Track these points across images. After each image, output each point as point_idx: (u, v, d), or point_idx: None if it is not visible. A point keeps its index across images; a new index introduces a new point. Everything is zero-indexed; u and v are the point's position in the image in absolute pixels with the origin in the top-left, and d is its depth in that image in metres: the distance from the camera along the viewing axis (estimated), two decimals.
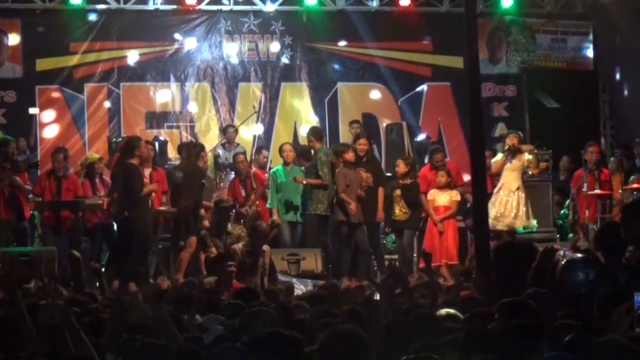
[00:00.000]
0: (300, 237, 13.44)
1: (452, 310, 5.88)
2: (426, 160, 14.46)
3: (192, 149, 13.02)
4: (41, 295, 7.80)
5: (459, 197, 13.00)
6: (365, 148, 13.37)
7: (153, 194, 12.61)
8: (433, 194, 13.05)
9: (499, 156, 13.25)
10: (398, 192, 13.06)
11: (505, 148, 13.23)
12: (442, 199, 12.96)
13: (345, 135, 15.48)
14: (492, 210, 12.53)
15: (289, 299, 7.97)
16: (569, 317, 5.19)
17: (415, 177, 13.32)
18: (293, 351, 4.45)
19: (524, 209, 12.77)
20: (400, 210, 13.03)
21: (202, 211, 12.58)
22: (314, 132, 13.71)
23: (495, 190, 12.84)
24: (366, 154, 13.39)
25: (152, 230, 13.08)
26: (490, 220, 12.39)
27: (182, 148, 13.36)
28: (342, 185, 12.79)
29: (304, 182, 13.21)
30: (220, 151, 14.91)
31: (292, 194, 13.39)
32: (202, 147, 13.33)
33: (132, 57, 15.94)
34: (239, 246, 11.45)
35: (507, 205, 12.74)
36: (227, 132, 15.10)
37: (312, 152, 13.51)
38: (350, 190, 12.85)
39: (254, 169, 13.97)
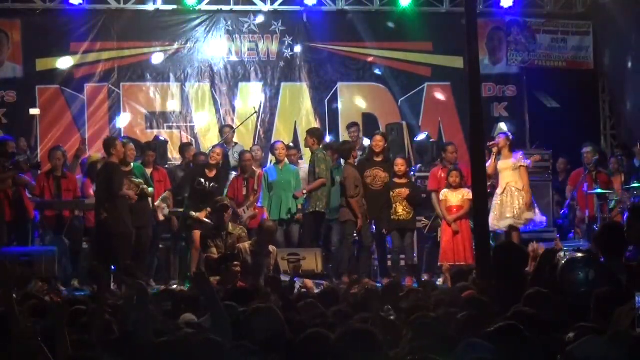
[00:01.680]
0: (297, 235, 13.42)
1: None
2: (426, 159, 14.48)
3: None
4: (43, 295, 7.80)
5: (470, 196, 12.91)
6: (381, 145, 13.37)
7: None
8: (445, 193, 13.01)
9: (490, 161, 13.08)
10: (398, 191, 13.03)
11: (490, 147, 13.14)
12: (454, 198, 12.94)
13: (345, 136, 15.46)
14: (505, 210, 12.48)
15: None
16: (570, 316, 5.20)
17: (410, 177, 13.35)
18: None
19: (535, 206, 12.74)
20: (404, 210, 13.00)
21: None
22: (315, 133, 13.73)
23: (499, 191, 12.72)
24: (382, 151, 13.36)
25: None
26: (510, 221, 12.42)
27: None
28: (351, 188, 12.83)
29: (304, 192, 13.20)
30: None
31: (284, 192, 13.38)
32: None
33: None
34: (244, 245, 11.46)
35: (518, 204, 12.59)
36: (224, 132, 15.07)
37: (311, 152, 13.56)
38: (358, 192, 12.91)
39: (258, 171, 13.93)
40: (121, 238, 11.92)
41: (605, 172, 14.07)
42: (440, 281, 11.86)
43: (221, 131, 15.24)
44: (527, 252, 7.29)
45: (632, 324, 4.77)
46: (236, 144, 15.04)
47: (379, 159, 13.33)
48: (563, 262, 5.96)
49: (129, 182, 12.44)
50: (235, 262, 10.55)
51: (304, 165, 14.11)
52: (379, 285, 12.36)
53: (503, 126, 16.05)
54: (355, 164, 13.30)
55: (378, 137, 13.54)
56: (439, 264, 12.89)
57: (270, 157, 15.08)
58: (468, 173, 13.20)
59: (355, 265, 12.97)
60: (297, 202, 13.36)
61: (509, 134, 13.27)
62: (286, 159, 13.69)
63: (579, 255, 6.03)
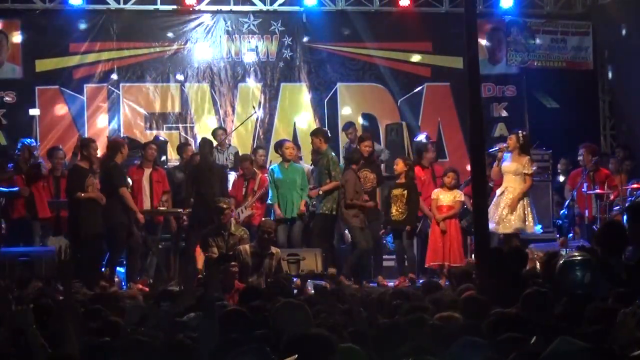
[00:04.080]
0: (299, 235, 13.41)
1: None
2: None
3: (205, 146, 13.28)
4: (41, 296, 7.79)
5: (462, 197, 12.93)
6: (369, 150, 13.34)
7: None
8: (437, 193, 13.02)
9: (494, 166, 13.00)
10: (395, 191, 13.03)
11: (497, 146, 13.07)
12: (445, 198, 12.94)
13: (344, 136, 15.44)
14: (496, 214, 12.43)
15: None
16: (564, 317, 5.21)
17: (413, 177, 13.33)
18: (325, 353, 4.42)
19: (531, 214, 12.61)
20: (397, 210, 13.00)
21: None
22: (322, 133, 13.72)
23: (499, 192, 12.64)
24: (370, 154, 13.37)
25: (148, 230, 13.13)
26: (495, 226, 12.32)
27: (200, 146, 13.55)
28: (351, 193, 12.81)
29: (320, 192, 13.17)
30: (215, 153, 14.79)
31: (288, 191, 13.38)
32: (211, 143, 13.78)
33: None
34: (245, 247, 11.45)
35: (515, 210, 12.49)
36: (217, 135, 14.99)
37: (319, 152, 13.58)
38: (358, 197, 12.91)
39: (259, 173, 13.92)
40: (86, 241, 11.99)
41: (605, 171, 14.06)
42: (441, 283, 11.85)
43: (214, 133, 15.13)
44: (525, 253, 7.32)
45: (638, 326, 4.75)
46: (229, 145, 15.03)
47: (363, 161, 13.28)
48: (561, 262, 5.96)
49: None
50: (233, 263, 10.54)
51: (305, 166, 14.11)
52: (374, 285, 12.45)
53: None
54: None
55: (366, 142, 13.45)
56: (425, 265, 12.90)
57: (271, 154, 15.08)
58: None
59: (353, 268, 12.93)
60: (310, 202, 13.36)
61: (520, 132, 13.01)
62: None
63: (577, 256, 6.02)
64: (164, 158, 14.70)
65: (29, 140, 13.76)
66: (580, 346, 4.22)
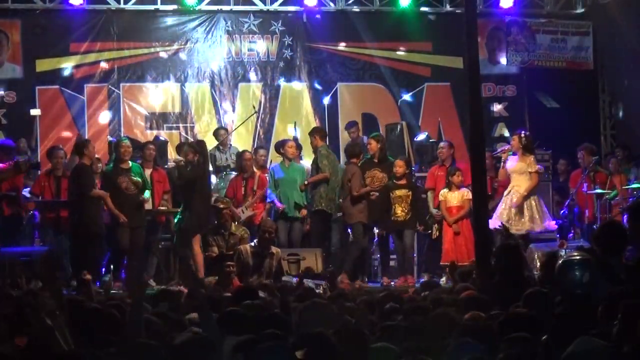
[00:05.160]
0: (299, 234, 13.40)
1: None
2: (425, 159, 14.47)
3: (204, 148, 13.16)
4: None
5: (470, 196, 12.87)
6: (374, 147, 13.31)
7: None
8: (445, 194, 12.98)
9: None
10: (398, 192, 13.02)
11: (500, 149, 13.11)
12: (453, 198, 12.91)
13: (345, 136, 15.45)
14: (504, 214, 12.45)
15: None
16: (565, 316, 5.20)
17: (412, 178, 13.32)
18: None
19: (540, 213, 12.64)
20: (402, 211, 12.99)
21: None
22: (318, 132, 13.74)
23: (506, 192, 12.67)
24: (376, 153, 13.32)
25: (152, 230, 13.15)
26: (504, 224, 12.34)
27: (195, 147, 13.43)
28: (358, 185, 12.81)
29: (306, 182, 13.24)
30: (216, 153, 14.78)
31: (290, 190, 13.38)
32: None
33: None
34: (246, 247, 11.44)
35: (523, 210, 12.53)
36: (219, 135, 14.99)
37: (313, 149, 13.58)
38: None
39: (258, 172, 13.91)
40: (94, 240, 12.01)
41: (604, 172, 14.08)
42: (443, 281, 11.86)
43: (216, 133, 15.13)
44: (523, 255, 7.34)
45: None
46: (230, 145, 15.02)
47: (375, 160, 13.33)
48: (560, 262, 5.97)
49: (129, 180, 12.51)
50: (229, 263, 10.54)
51: (306, 165, 14.11)
52: (377, 285, 12.45)
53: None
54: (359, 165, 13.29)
55: (369, 140, 13.54)
56: (441, 263, 12.89)
57: (272, 154, 15.07)
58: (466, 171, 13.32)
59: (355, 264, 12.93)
60: (302, 199, 13.35)
61: (522, 132, 13.09)
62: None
63: (576, 256, 6.02)
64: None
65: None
66: (601, 345, 4.22)
